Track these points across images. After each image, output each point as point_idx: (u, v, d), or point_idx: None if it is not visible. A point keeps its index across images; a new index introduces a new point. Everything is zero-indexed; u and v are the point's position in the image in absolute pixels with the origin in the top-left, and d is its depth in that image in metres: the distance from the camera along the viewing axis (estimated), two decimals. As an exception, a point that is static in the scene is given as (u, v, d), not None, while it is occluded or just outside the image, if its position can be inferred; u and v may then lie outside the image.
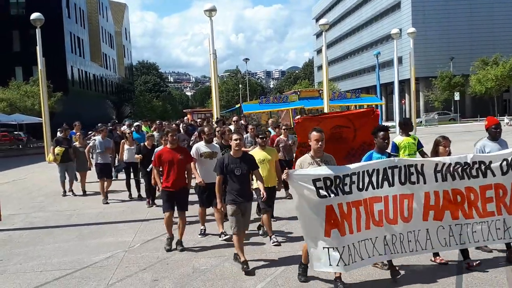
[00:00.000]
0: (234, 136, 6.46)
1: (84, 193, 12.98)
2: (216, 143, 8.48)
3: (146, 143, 10.76)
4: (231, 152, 6.47)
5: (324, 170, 5.23)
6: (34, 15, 23.40)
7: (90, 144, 12.37)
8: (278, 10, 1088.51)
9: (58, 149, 12.81)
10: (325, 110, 26.66)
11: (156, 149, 8.69)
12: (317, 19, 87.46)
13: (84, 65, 59.75)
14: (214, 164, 7.23)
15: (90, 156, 12.51)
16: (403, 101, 57.76)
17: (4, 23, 46.84)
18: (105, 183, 11.79)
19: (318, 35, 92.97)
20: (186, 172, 7.44)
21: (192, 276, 6.15)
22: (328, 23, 28.53)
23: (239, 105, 45.29)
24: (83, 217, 10.23)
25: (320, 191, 5.14)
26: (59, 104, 40.71)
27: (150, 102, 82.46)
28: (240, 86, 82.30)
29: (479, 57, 54.14)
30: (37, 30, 23.21)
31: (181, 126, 17.65)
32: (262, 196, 6.43)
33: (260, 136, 7.66)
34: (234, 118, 14.15)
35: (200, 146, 7.97)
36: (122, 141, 12.18)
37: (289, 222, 8.70)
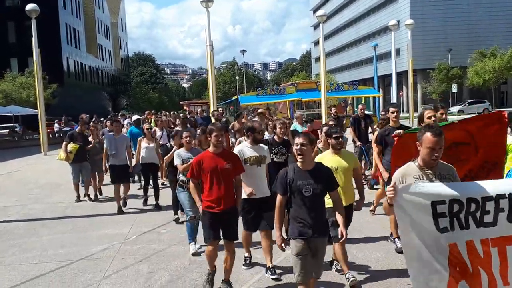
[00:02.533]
0: (300, 140, 4.31)
1: (96, 196, 11.20)
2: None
3: (172, 143, 8.65)
4: (298, 163, 4.37)
5: (452, 188, 3.45)
6: (30, 6, 23.14)
7: (106, 145, 10.03)
8: (276, 1, 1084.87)
9: (71, 146, 10.68)
10: (322, 102, 26.57)
11: (176, 151, 7.07)
12: (315, 11, 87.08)
13: (80, 56, 59.42)
14: (261, 172, 5.89)
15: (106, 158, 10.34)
16: (400, 93, 57.69)
17: (-1, 14, 46.54)
18: (122, 188, 9.83)
19: (316, 26, 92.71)
20: (234, 186, 5.43)
21: (188, 268, 6.13)
22: (326, 15, 28.39)
23: (236, 97, 45.24)
24: (79, 209, 10.17)
25: (440, 220, 3.40)
26: (55, 96, 40.55)
27: (147, 94, 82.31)
28: (237, 78, 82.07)
29: (477, 49, 54.04)
30: (32, 21, 22.99)
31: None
32: (340, 236, 4.40)
33: (334, 136, 5.36)
34: (260, 110, 11.58)
35: (244, 149, 5.92)
36: (139, 138, 10.23)
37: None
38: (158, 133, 11.87)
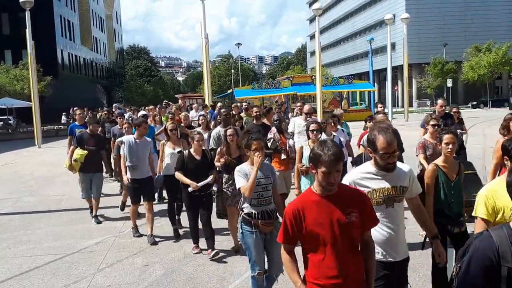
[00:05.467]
0: None
1: (124, 204, 8.89)
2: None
3: (192, 150, 6.37)
4: None
5: None
6: (23, -3, 22.95)
7: (123, 152, 7.29)
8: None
9: (77, 153, 8.22)
10: (318, 96, 26.60)
11: (239, 167, 4.64)
12: (310, 4, 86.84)
13: (74, 49, 59.04)
14: (396, 215, 3.27)
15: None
16: (395, 88, 57.77)
17: (-7, 6, 46.14)
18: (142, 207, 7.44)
19: (311, 20, 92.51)
20: (361, 247, 2.92)
21: (183, 261, 6.14)
22: (322, 8, 28.36)
23: (231, 90, 45.19)
24: (73, 202, 10.10)
25: None
26: (49, 88, 40.40)
27: (141, 87, 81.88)
28: (232, 71, 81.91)
29: (472, 43, 54.20)
30: (26, 13, 22.80)
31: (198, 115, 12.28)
32: None
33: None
34: (304, 108, 8.36)
35: (363, 178, 3.26)
36: (162, 142, 7.82)
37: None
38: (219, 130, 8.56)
